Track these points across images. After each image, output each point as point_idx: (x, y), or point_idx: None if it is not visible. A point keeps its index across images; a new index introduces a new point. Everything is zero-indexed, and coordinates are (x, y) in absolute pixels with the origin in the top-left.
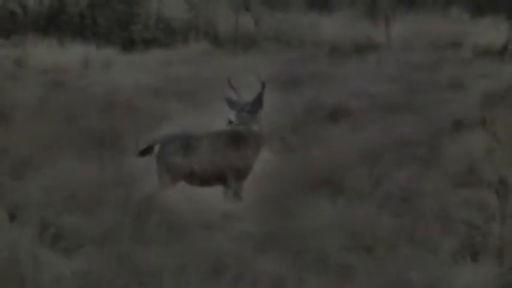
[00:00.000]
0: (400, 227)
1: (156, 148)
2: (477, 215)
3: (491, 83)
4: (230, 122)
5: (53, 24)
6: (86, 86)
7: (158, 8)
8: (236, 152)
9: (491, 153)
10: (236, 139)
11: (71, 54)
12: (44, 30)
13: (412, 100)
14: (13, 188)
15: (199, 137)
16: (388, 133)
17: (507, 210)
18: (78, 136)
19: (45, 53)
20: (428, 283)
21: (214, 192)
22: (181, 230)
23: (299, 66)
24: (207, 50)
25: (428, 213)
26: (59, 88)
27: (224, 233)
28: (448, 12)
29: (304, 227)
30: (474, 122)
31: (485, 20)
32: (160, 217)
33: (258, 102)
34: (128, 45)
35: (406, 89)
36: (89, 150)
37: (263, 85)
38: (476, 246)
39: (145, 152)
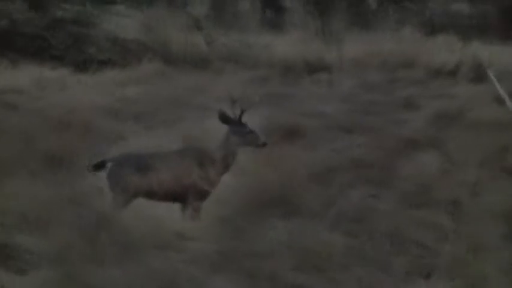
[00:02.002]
0: (352, 247)
1: (108, 165)
2: (430, 235)
3: (444, 103)
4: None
5: (6, 46)
6: (40, 107)
7: (112, 29)
8: (201, 173)
9: (444, 174)
10: (202, 159)
11: (25, 75)
12: None
13: (365, 120)
14: None
15: (157, 156)
16: (341, 153)
17: (460, 231)
18: (33, 157)
19: None
20: None
21: (169, 212)
22: (134, 249)
23: (252, 86)
24: (160, 70)
25: (381, 233)
26: (13, 110)
27: (178, 253)
28: (401, 32)
29: (257, 247)
30: (427, 143)
31: (438, 40)
32: (113, 237)
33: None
34: (82, 66)
35: (359, 109)
36: (44, 171)
37: (242, 111)
38: (428, 266)
39: (98, 166)
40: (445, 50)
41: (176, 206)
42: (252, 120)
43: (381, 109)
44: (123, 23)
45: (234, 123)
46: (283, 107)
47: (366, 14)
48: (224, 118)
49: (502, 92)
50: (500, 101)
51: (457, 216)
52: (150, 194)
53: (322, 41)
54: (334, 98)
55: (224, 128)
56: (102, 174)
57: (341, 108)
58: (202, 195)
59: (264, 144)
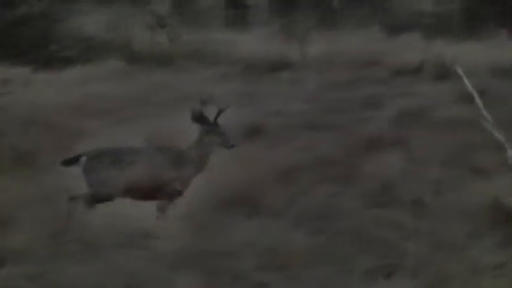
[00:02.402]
0: (315, 245)
1: (83, 160)
2: (392, 234)
3: (407, 102)
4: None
5: None
6: (4, 105)
7: (76, 27)
8: (174, 172)
9: (407, 172)
10: (176, 158)
11: None
12: None
13: (328, 119)
14: None
15: (132, 151)
16: (304, 152)
17: (422, 229)
18: None
19: None
20: None
21: (131, 211)
22: (98, 247)
23: (214, 84)
24: (123, 68)
25: (344, 231)
26: None
27: (141, 251)
28: (365, 31)
29: (221, 245)
30: (391, 141)
31: (402, 39)
32: (77, 235)
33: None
34: (46, 63)
35: (322, 107)
36: (9, 168)
37: (220, 111)
38: (391, 265)
39: (70, 162)
40: (409, 48)
41: (139, 204)
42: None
43: (345, 107)
44: (87, 21)
45: (209, 124)
46: (247, 105)
47: (330, 12)
48: (200, 118)
49: (470, 89)
50: (463, 99)
51: (420, 215)
52: (127, 191)
53: (286, 39)
54: (298, 96)
55: (186, 125)
56: (75, 169)
57: (305, 106)
58: (174, 195)
59: (232, 146)
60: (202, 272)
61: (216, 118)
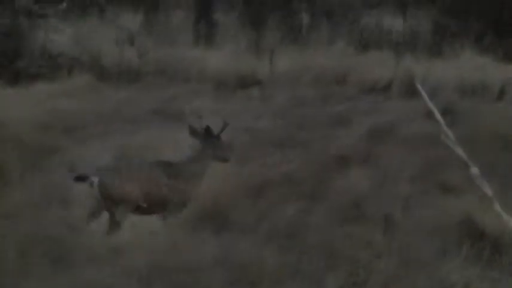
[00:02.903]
0: (285, 262)
1: (95, 180)
2: (363, 251)
3: (377, 119)
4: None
5: None
6: None
7: (43, 43)
8: (175, 185)
9: (376, 189)
10: (177, 172)
11: None
12: None
13: (297, 135)
14: None
15: (130, 167)
16: (273, 168)
17: (392, 246)
18: None
19: None
20: None
21: (100, 226)
22: (66, 263)
23: (183, 101)
24: (91, 84)
25: (313, 248)
26: None
27: (110, 266)
28: (333, 47)
29: (190, 261)
30: (360, 158)
31: (371, 56)
32: (45, 250)
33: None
34: (13, 79)
35: (290, 124)
36: None
37: (225, 124)
38: (361, 282)
39: (81, 179)
40: (378, 65)
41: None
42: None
43: (313, 124)
44: (54, 36)
45: (212, 137)
46: (214, 122)
47: (299, 28)
48: (206, 132)
49: (430, 105)
50: (432, 116)
51: (390, 232)
52: (129, 204)
53: (254, 55)
54: (266, 113)
55: (156, 140)
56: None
57: (273, 123)
58: (177, 208)
59: (227, 160)
60: (171, 287)
61: (220, 132)
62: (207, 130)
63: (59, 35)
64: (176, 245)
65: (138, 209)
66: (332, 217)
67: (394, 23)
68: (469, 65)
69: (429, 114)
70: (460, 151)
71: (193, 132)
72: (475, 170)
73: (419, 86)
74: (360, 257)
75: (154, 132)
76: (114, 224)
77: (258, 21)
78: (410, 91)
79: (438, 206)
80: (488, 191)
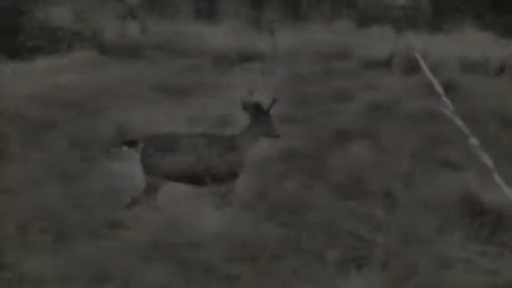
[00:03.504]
0: (285, 237)
1: (140, 145)
2: (363, 227)
3: (377, 94)
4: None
5: None
6: None
7: (44, 17)
8: (225, 157)
9: (377, 165)
10: (227, 144)
11: None
12: None
13: (298, 111)
14: None
15: (180, 137)
16: (274, 144)
17: (392, 221)
18: None
19: None
20: None
21: (100, 200)
22: (66, 238)
23: (184, 75)
24: (92, 59)
25: (314, 224)
26: None
27: (110, 241)
28: (334, 23)
29: (191, 236)
30: (360, 134)
31: (372, 32)
32: (45, 225)
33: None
34: (14, 53)
35: (291, 100)
36: None
37: (274, 100)
38: (361, 257)
39: (130, 143)
40: (379, 41)
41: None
42: (184, 109)
43: (314, 100)
44: (55, 11)
45: (261, 113)
46: (215, 96)
47: (300, 4)
48: (256, 108)
49: (430, 76)
50: (433, 92)
51: (390, 208)
52: (178, 176)
53: (255, 30)
54: (267, 87)
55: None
56: (133, 152)
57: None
58: (227, 179)
59: (278, 136)
60: (172, 263)
61: (269, 108)
62: (257, 106)
63: (59, 10)
64: (177, 220)
65: (182, 179)
66: (333, 193)
67: None
68: (469, 40)
69: (430, 90)
70: (459, 122)
71: (245, 107)
72: (474, 141)
73: (419, 57)
74: (360, 232)
75: (155, 108)
76: (152, 188)
77: None
78: (410, 66)
79: (438, 182)
80: (489, 161)
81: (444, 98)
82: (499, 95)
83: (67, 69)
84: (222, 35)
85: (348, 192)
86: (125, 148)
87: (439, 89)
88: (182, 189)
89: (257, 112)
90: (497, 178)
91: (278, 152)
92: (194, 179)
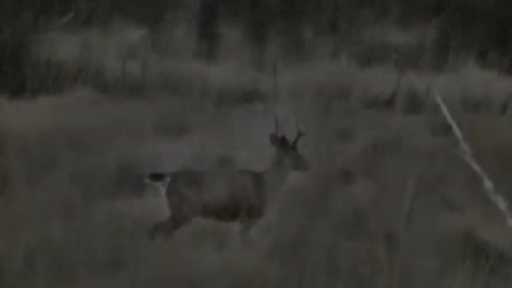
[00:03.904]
0: (288, 276)
1: (167, 180)
2: (365, 267)
3: (379, 133)
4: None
5: None
6: None
7: (47, 55)
8: (255, 193)
9: (379, 204)
10: (257, 181)
11: None
12: None
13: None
14: None
15: (210, 174)
16: None
17: (394, 261)
18: None
19: None
20: None
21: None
22: (70, 275)
23: (186, 114)
24: (94, 98)
25: (316, 263)
26: None
27: (112, 278)
28: (336, 62)
29: (193, 274)
30: (362, 173)
31: (374, 70)
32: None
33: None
34: (17, 91)
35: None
36: None
37: (299, 134)
38: None
39: (157, 177)
40: (381, 80)
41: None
42: (184, 148)
43: (316, 139)
44: (58, 49)
45: (288, 147)
46: (217, 136)
47: (302, 43)
48: (282, 142)
49: (449, 119)
50: (435, 131)
51: (392, 247)
52: (206, 212)
53: (257, 69)
54: (268, 127)
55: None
56: (159, 185)
57: None
58: (255, 214)
59: (306, 170)
60: None
61: (295, 142)
62: (283, 140)
63: (61, 48)
64: (179, 257)
65: (210, 215)
66: (335, 232)
67: (397, 37)
68: (472, 79)
69: (432, 129)
70: (476, 166)
71: (273, 140)
72: (488, 185)
73: (438, 98)
74: (362, 272)
75: (157, 146)
76: (178, 222)
77: (261, 35)
78: (412, 105)
79: (440, 221)
80: (502, 205)
81: (462, 142)
82: (502, 133)
83: (69, 108)
84: (224, 74)
85: (349, 231)
86: (148, 181)
87: (457, 132)
88: (182, 228)
89: (283, 146)
90: (510, 222)
91: None
92: (223, 214)
